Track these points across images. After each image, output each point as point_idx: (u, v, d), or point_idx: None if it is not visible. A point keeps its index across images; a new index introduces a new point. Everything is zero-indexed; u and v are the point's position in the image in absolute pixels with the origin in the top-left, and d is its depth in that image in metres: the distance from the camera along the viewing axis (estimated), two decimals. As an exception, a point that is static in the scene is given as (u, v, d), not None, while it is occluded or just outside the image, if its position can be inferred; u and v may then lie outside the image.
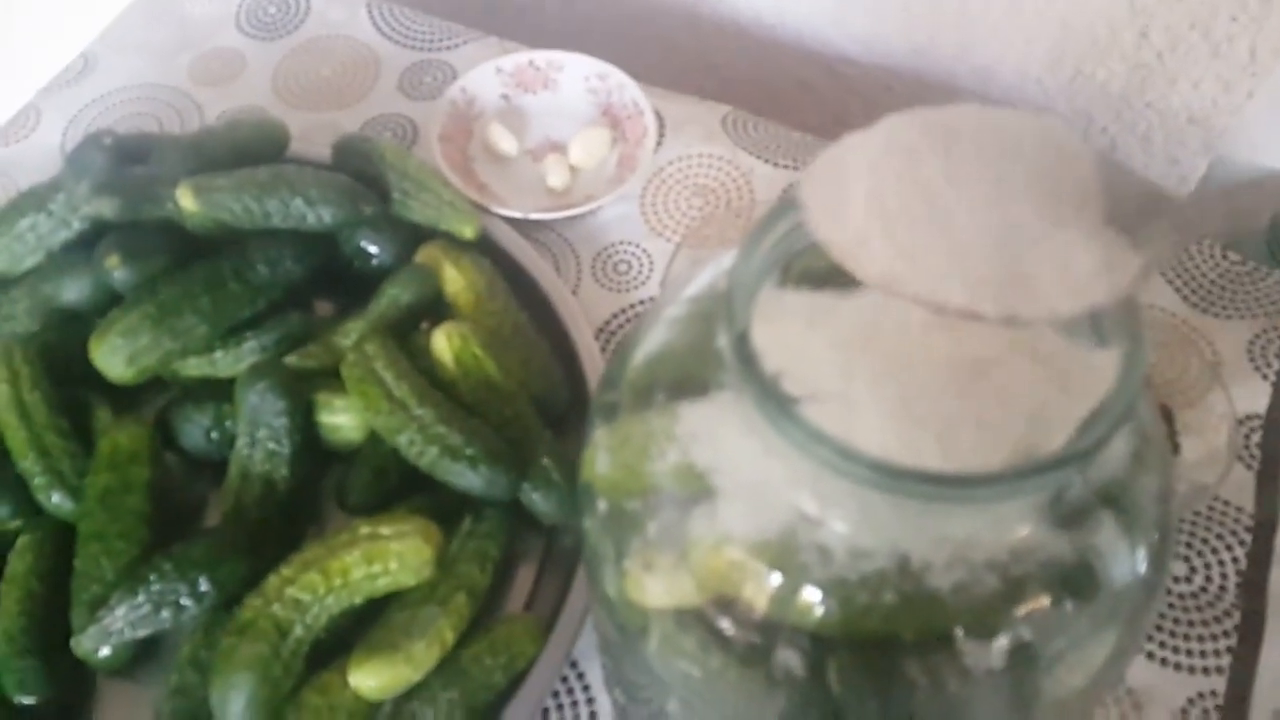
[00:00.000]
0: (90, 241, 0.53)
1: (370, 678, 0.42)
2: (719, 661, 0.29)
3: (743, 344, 0.24)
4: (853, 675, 0.27)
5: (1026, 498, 0.24)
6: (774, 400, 0.24)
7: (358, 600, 0.44)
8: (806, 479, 0.25)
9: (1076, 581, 0.27)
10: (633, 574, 0.29)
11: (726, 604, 0.28)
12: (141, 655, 0.47)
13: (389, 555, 0.43)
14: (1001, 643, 0.26)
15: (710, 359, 0.27)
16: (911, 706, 0.27)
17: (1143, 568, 0.29)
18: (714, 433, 0.27)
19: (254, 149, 0.58)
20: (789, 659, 0.27)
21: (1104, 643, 0.28)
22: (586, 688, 0.46)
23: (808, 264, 0.28)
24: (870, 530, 0.25)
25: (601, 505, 0.31)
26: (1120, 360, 0.24)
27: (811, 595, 0.26)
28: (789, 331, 0.27)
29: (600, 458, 0.31)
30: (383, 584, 0.43)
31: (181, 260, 0.52)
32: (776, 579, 0.26)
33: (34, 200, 0.54)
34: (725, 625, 0.28)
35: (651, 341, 0.32)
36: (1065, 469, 0.23)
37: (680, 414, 0.29)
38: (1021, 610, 0.26)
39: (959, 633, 0.26)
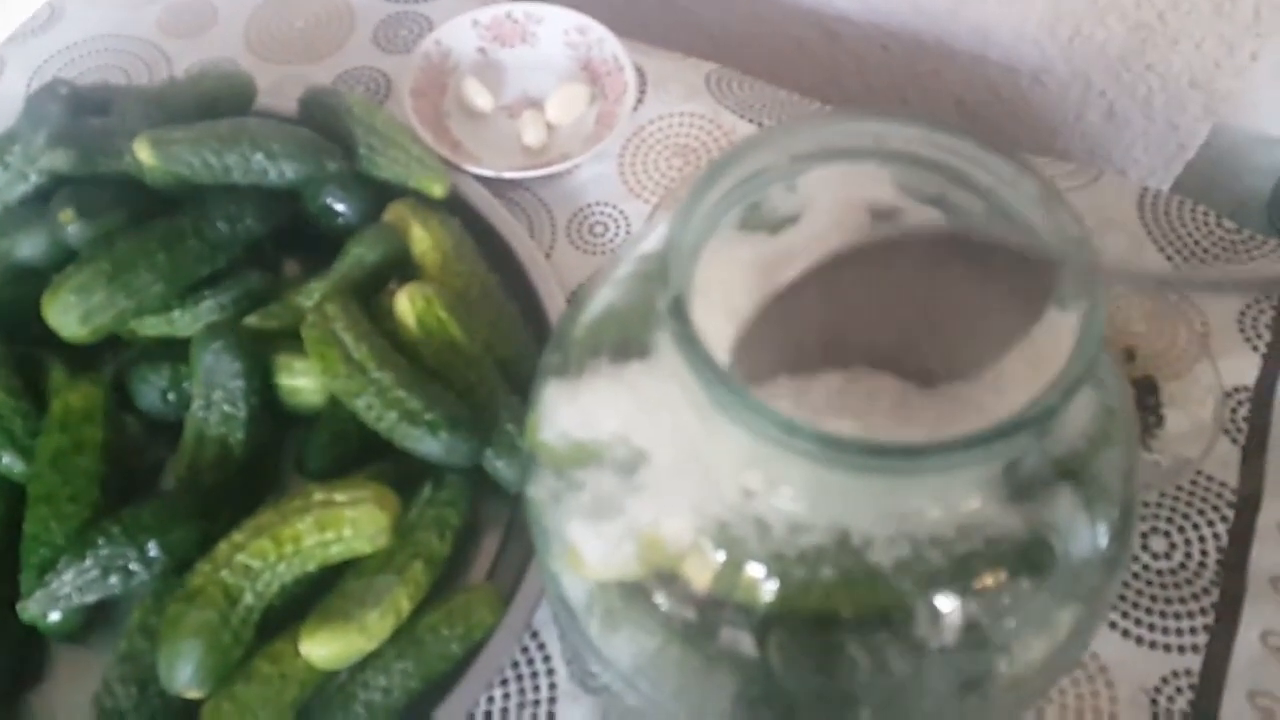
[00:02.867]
0: (47, 195, 0.51)
1: (322, 647, 0.41)
2: (660, 637, 0.27)
3: (678, 308, 0.23)
4: (793, 652, 0.26)
5: (976, 469, 0.22)
6: (709, 368, 0.22)
7: (311, 568, 0.43)
8: (744, 449, 0.23)
9: (1030, 558, 0.25)
10: (573, 545, 0.28)
11: (667, 578, 0.26)
12: (94, 620, 0.46)
13: (343, 522, 0.42)
14: (948, 621, 0.25)
15: (652, 320, 0.26)
16: (854, 684, 0.26)
17: (1104, 543, 0.28)
18: (652, 398, 0.26)
19: (219, 102, 0.57)
20: (731, 636, 0.26)
21: (1061, 621, 0.27)
22: (547, 658, 0.45)
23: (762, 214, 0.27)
24: (809, 504, 0.23)
25: (545, 472, 0.30)
26: (1078, 321, 0.23)
27: (751, 571, 0.25)
28: (735, 280, 0.26)
29: (543, 422, 0.30)
30: (336, 551, 0.42)
31: (139, 216, 0.51)
32: (715, 553, 0.25)
33: (-11, 152, 0.53)
34: (665, 600, 0.27)
35: (599, 301, 0.30)
36: (1017, 436, 0.21)
37: (621, 377, 0.27)
38: (968, 588, 0.25)
39: (902, 611, 0.24)
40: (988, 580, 0.24)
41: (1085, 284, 0.23)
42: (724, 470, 0.24)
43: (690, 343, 0.23)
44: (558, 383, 0.29)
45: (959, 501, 0.23)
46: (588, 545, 0.27)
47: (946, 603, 0.24)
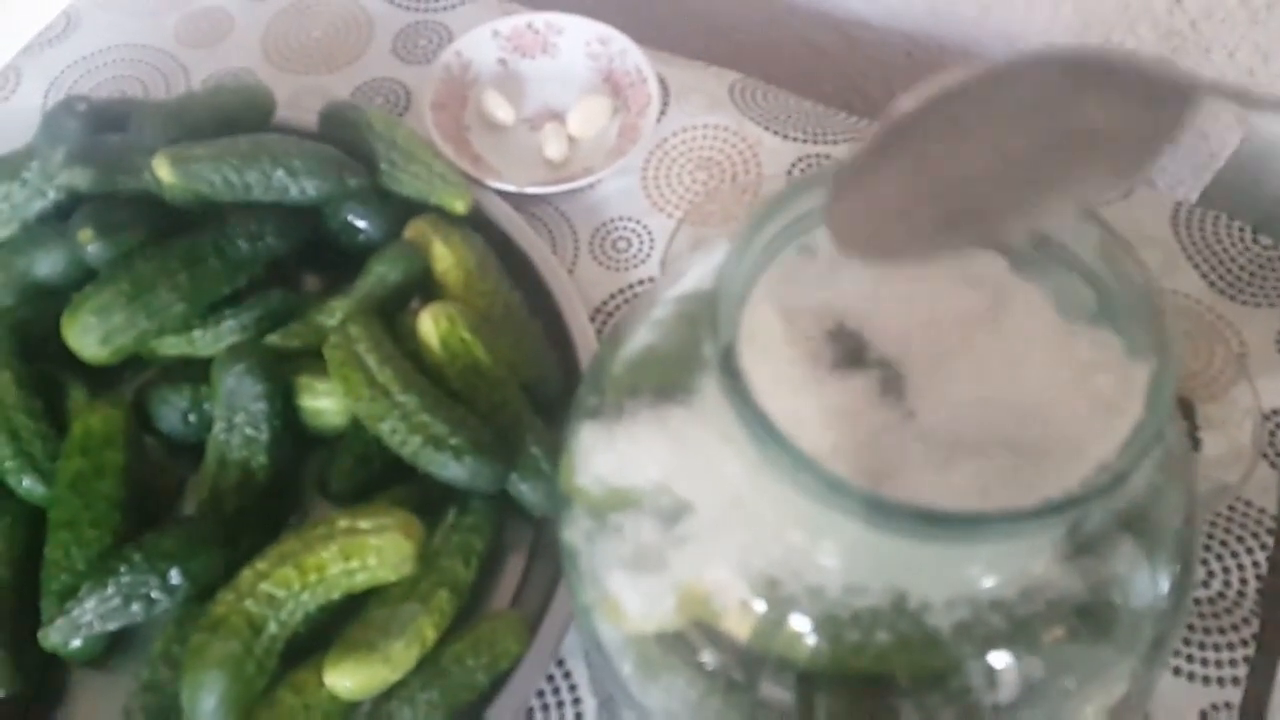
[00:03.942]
0: (66, 212, 0.51)
1: (346, 678, 0.40)
2: (699, 690, 0.27)
3: (728, 359, 0.22)
4: (844, 714, 0.25)
5: (1037, 536, 0.22)
6: (760, 421, 0.21)
7: (335, 596, 0.42)
8: (794, 505, 0.23)
9: (1092, 616, 0.25)
10: (613, 596, 0.27)
11: (708, 631, 0.26)
12: (115, 646, 0.45)
13: (367, 551, 0.41)
14: (1007, 682, 0.24)
15: (695, 365, 0.25)
16: (907, 746, 0.25)
17: (1165, 591, 0.27)
18: (696, 447, 0.25)
19: (238, 116, 0.56)
20: (774, 693, 0.25)
21: (1120, 677, 0.26)
22: (574, 688, 0.44)
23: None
24: (863, 564, 0.23)
25: (580, 516, 0.29)
26: (1149, 379, 0.22)
27: (799, 628, 0.24)
28: (784, 326, 0.25)
29: (579, 466, 0.29)
30: (361, 580, 0.42)
31: (159, 234, 0.50)
32: (761, 610, 0.24)
33: (7, 168, 0.52)
34: (706, 654, 0.26)
35: (637, 342, 0.30)
36: (1086, 505, 0.20)
37: (662, 423, 0.26)
38: (1030, 649, 0.24)
39: (959, 673, 0.24)
40: (1048, 639, 0.23)
41: (1156, 339, 0.22)
42: (773, 526, 0.24)
43: (741, 397, 0.22)
44: (594, 425, 0.29)
45: (1021, 564, 0.22)
46: (628, 597, 0.26)
47: (1006, 664, 0.23)
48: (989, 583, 0.22)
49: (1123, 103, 0.21)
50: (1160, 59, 0.21)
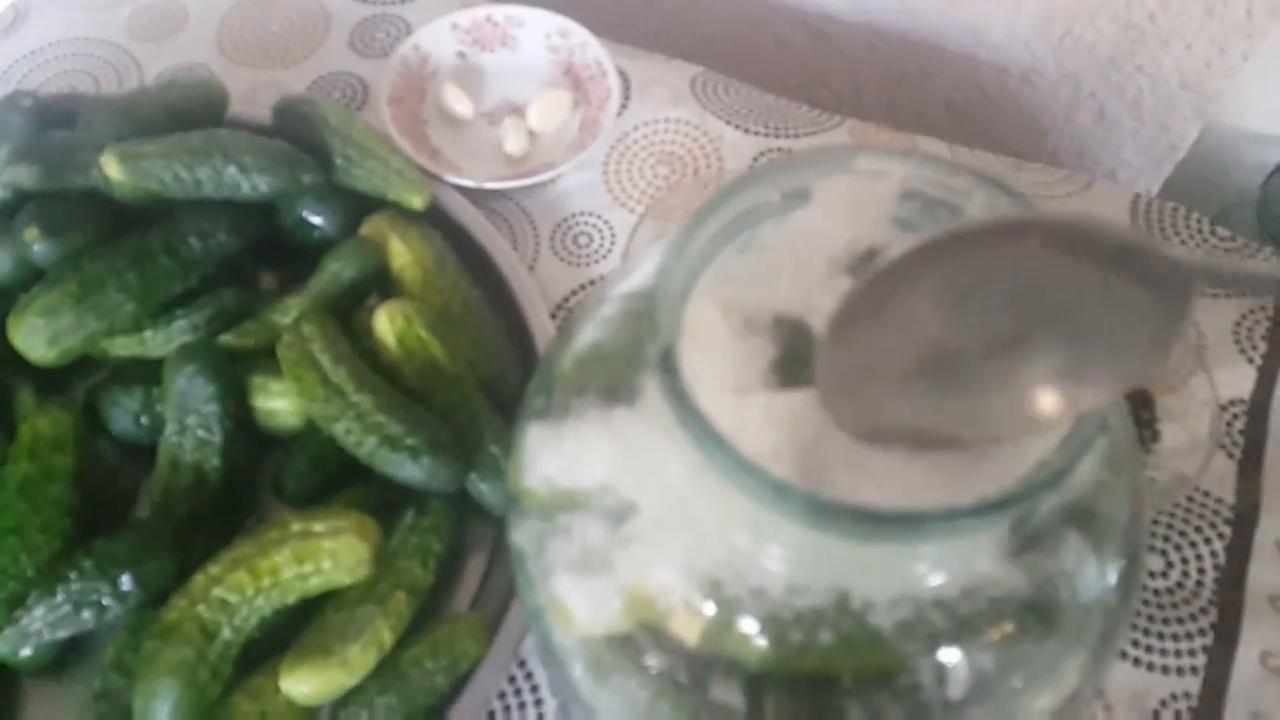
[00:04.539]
0: (12, 211, 0.50)
1: (302, 684, 0.39)
2: (649, 693, 0.26)
3: (667, 360, 0.22)
4: (791, 715, 0.25)
5: (979, 534, 0.21)
6: (698, 423, 0.21)
7: (290, 600, 0.41)
8: (737, 506, 0.22)
9: (1037, 612, 0.24)
10: (560, 600, 0.27)
11: (655, 633, 0.25)
12: (68, 654, 0.44)
13: (321, 554, 0.41)
14: (953, 680, 0.24)
15: (640, 364, 0.25)
16: (856, 745, 0.25)
17: (1113, 584, 0.27)
18: (641, 448, 0.25)
19: (190, 112, 0.55)
20: (723, 694, 0.25)
21: (1070, 669, 0.26)
22: (535, 688, 0.44)
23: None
24: (806, 565, 0.22)
25: (529, 518, 0.29)
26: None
27: (744, 630, 0.24)
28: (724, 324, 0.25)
29: (527, 467, 0.29)
30: (315, 584, 0.41)
31: (108, 233, 0.49)
32: (706, 611, 0.24)
33: (-49, 167, 0.51)
34: (654, 656, 0.25)
35: (584, 340, 0.29)
36: (1026, 503, 0.20)
37: (607, 423, 0.26)
38: (974, 646, 0.24)
39: (904, 672, 0.23)
40: (994, 637, 0.23)
41: (1094, 335, 0.22)
42: (716, 527, 0.23)
43: (680, 397, 0.22)
44: (540, 426, 0.28)
45: (964, 562, 0.22)
46: (575, 601, 0.26)
47: (951, 662, 0.23)
48: (932, 581, 0.22)
49: (1113, 282, 0.20)
50: (1148, 238, 0.20)
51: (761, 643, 0.23)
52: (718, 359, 0.23)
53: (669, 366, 0.22)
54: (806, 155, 0.25)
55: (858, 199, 0.25)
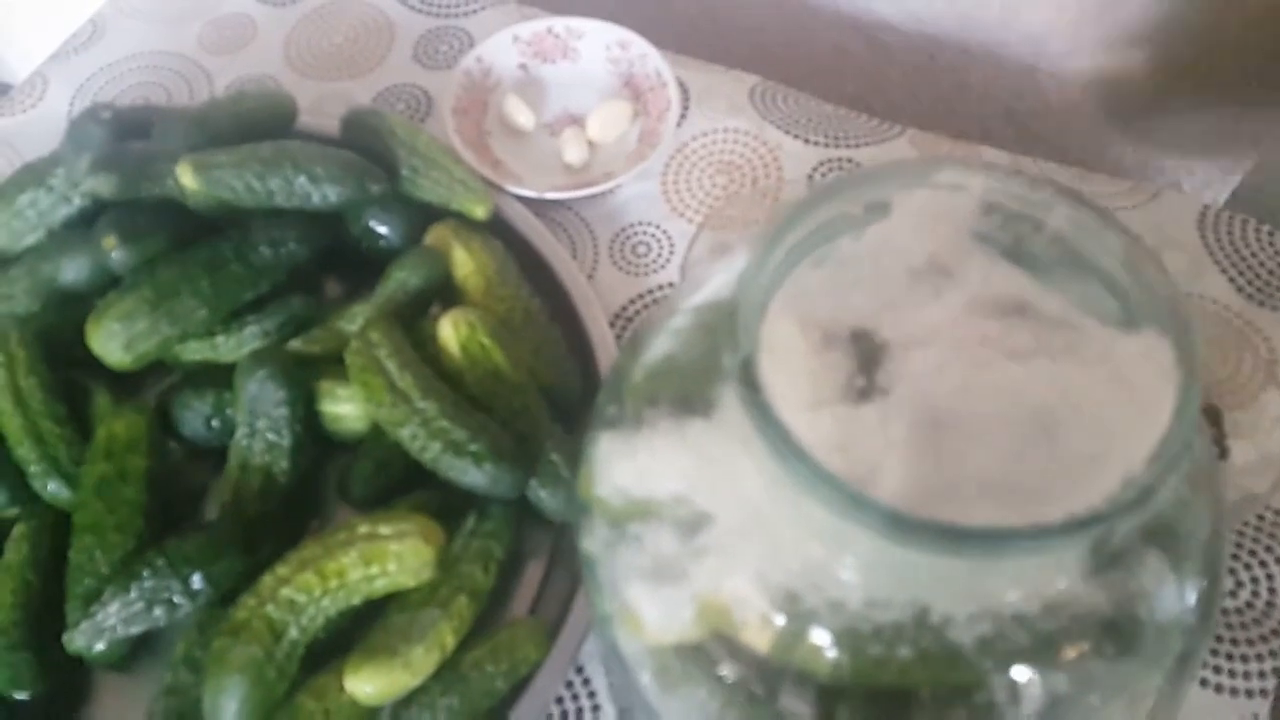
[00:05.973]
0: (92, 219, 0.51)
1: (367, 683, 0.40)
2: (718, 702, 0.26)
3: (748, 373, 0.22)
4: (864, 728, 0.25)
5: (1062, 551, 0.21)
6: (780, 435, 0.21)
7: (355, 601, 0.42)
8: (815, 518, 0.22)
9: (1118, 631, 0.24)
10: (631, 608, 0.27)
11: (728, 643, 0.26)
12: (139, 649, 0.45)
13: (387, 556, 0.41)
14: (1030, 697, 0.24)
15: (715, 376, 0.25)
16: (929, 760, 0.25)
17: (1193, 605, 0.26)
18: (717, 459, 0.25)
19: (260, 122, 0.56)
20: (794, 706, 0.25)
21: (1146, 693, 0.26)
22: (593, 694, 0.44)
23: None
24: (885, 579, 0.22)
25: (599, 526, 0.29)
26: (1174, 393, 0.22)
27: (820, 642, 0.24)
28: (803, 337, 0.25)
29: (598, 476, 0.29)
30: (381, 585, 0.42)
31: (182, 240, 0.51)
32: (781, 623, 0.24)
33: (34, 175, 0.53)
34: (726, 666, 0.26)
35: (656, 351, 0.30)
36: (1112, 521, 0.20)
37: (682, 435, 0.26)
38: (1053, 664, 0.23)
39: (982, 688, 0.23)
40: (1073, 655, 0.23)
41: (1182, 349, 0.21)
42: (793, 539, 0.23)
43: (760, 409, 0.22)
44: (612, 436, 0.29)
45: (1045, 579, 0.22)
46: (647, 609, 0.26)
47: (1029, 679, 0.23)
48: (1012, 597, 0.22)
49: None
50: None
51: (836, 655, 0.23)
52: (795, 372, 0.23)
53: (750, 379, 0.22)
54: (885, 169, 0.25)
55: (937, 213, 0.25)
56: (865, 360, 0.24)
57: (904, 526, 0.20)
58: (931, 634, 0.22)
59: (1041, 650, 0.23)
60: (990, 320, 0.24)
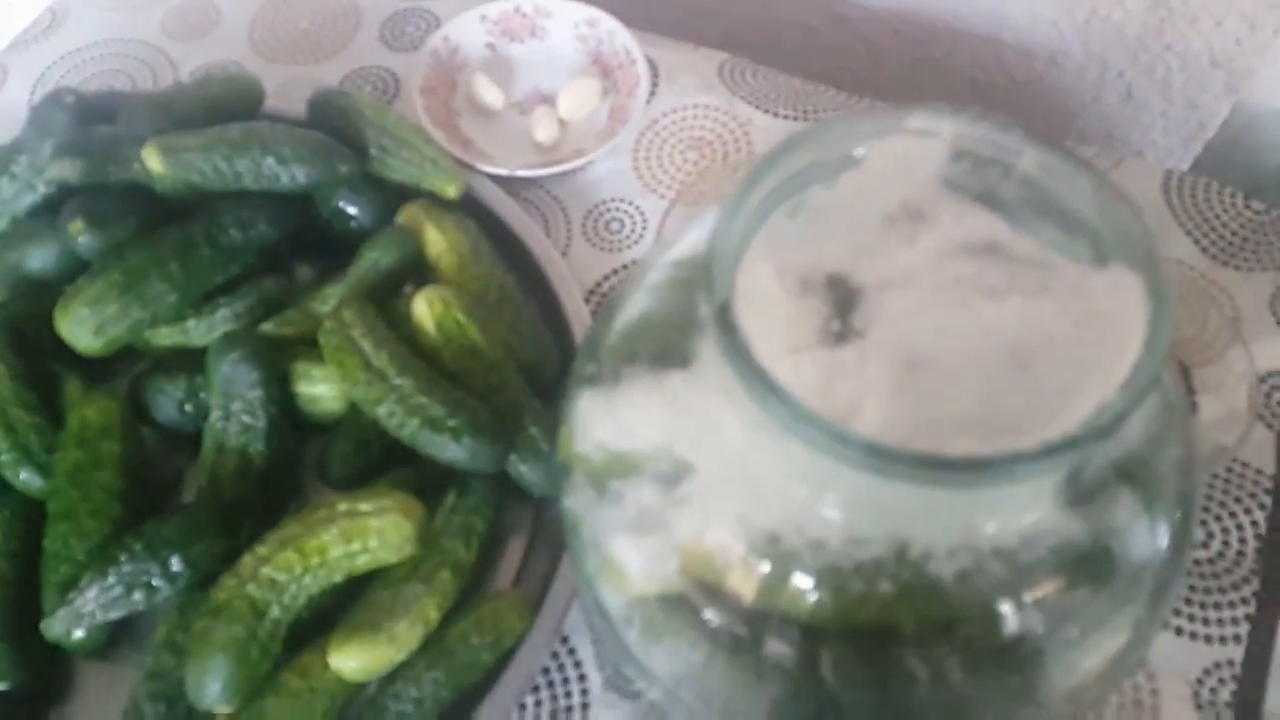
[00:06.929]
0: (57, 205, 0.51)
1: (351, 659, 0.40)
2: (704, 652, 0.27)
3: (725, 317, 0.22)
4: (849, 666, 0.25)
5: (1038, 480, 0.22)
6: (758, 375, 0.21)
7: (337, 579, 0.42)
8: (795, 460, 0.23)
9: (1092, 565, 0.25)
10: (615, 559, 0.27)
11: (711, 591, 0.26)
12: (119, 636, 0.45)
13: (368, 533, 0.41)
14: (1009, 631, 0.24)
15: (692, 328, 0.25)
16: (912, 698, 0.25)
17: (1164, 544, 0.27)
18: (696, 409, 0.25)
19: (227, 106, 0.56)
20: (778, 650, 0.25)
21: (1122, 627, 0.27)
22: (578, 664, 0.44)
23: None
24: (865, 515, 0.23)
25: (580, 483, 0.29)
26: (1145, 323, 0.22)
27: (802, 583, 0.24)
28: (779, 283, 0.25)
29: (578, 434, 0.29)
30: (363, 562, 0.42)
31: (150, 225, 0.50)
32: (764, 566, 0.24)
33: (-4, 163, 0.52)
34: (711, 613, 0.26)
35: (632, 309, 0.30)
36: (1084, 449, 0.21)
37: (661, 387, 0.27)
38: (1031, 598, 0.24)
39: (962, 622, 0.24)
40: (1050, 589, 0.24)
41: (1151, 280, 0.22)
42: (774, 482, 0.24)
43: (739, 353, 0.22)
44: (592, 393, 0.29)
45: (1022, 510, 0.22)
46: (630, 560, 0.26)
47: (1009, 612, 0.23)
48: (990, 530, 0.22)
49: None
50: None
51: (819, 595, 0.24)
52: (772, 319, 0.24)
53: (727, 323, 0.22)
54: (856, 116, 0.25)
55: (908, 159, 0.25)
56: (842, 305, 0.24)
57: (884, 458, 0.20)
58: (912, 569, 0.22)
59: (1020, 582, 0.23)
60: (964, 261, 0.24)
